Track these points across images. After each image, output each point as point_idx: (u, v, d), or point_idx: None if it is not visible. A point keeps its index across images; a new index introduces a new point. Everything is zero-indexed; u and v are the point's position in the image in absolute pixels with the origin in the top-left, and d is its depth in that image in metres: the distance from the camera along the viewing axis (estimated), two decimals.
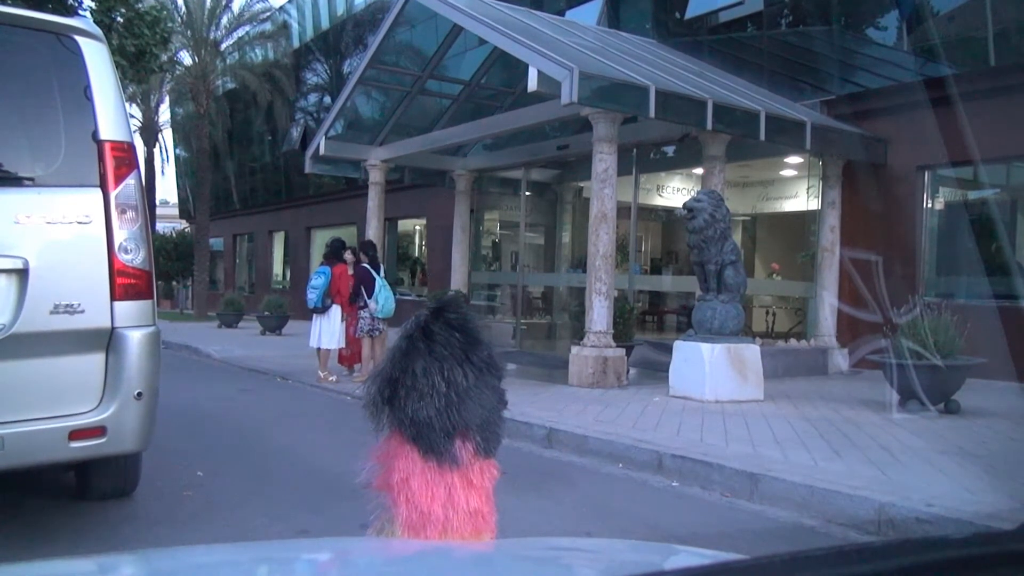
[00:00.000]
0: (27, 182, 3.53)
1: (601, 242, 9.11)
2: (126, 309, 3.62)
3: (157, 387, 3.79)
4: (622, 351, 9.28)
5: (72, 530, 3.89)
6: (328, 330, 9.70)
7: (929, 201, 10.89)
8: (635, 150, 11.75)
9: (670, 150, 12.79)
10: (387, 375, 1.79)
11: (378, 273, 9.68)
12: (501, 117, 12.26)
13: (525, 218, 14.82)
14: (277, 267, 28.00)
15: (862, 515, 4.26)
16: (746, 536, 4.21)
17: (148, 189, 26.66)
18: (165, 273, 29.17)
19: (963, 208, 11.03)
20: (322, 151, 13.81)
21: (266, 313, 17.89)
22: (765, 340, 11.26)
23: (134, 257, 3.65)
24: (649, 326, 16.09)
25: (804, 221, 12.49)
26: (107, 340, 3.59)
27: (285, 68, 24.50)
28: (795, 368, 10.36)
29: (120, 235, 3.61)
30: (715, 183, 9.87)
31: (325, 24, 24.22)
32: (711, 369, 7.92)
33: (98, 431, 3.53)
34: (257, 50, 25.62)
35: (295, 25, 25.68)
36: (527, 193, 14.70)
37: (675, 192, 14.61)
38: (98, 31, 3.86)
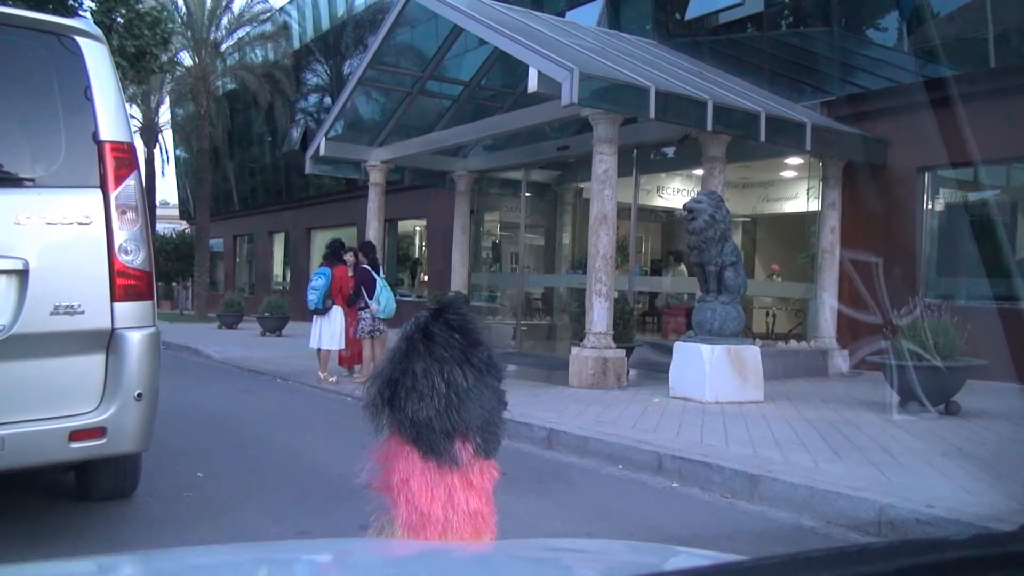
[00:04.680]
0: (27, 183, 3.53)
1: (601, 243, 9.11)
2: (126, 310, 3.62)
3: (157, 388, 3.79)
4: (622, 352, 9.28)
5: (72, 531, 3.89)
6: (328, 331, 9.70)
7: (929, 202, 10.89)
8: (635, 151, 11.74)
9: (670, 151, 12.79)
10: (387, 376, 1.79)
11: (378, 274, 9.70)
12: (501, 118, 12.26)
13: (525, 219, 14.81)
14: (277, 268, 28.00)
15: (862, 516, 4.26)
16: (746, 537, 4.21)
17: (148, 190, 26.65)
18: (165, 274, 29.19)
19: (963, 209, 11.03)
20: (322, 152, 13.81)
21: (266, 314, 17.89)
22: (765, 341, 11.26)
23: (134, 258, 3.65)
24: (649, 327, 16.07)
25: (804, 222, 12.49)
26: (107, 341, 3.59)
27: (285, 69, 24.51)
28: (795, 369, 10.36)
29: (120, 236, 3.61)
30: (715, 184, 9.87)
31: (325, 25, 24.23)
32: (711, 370, 7.92)
33: (98, 432, 3.53)
34: (257, 51, 25.64)
35: (295, 26, 25.69)
36: (527, 194, 14.70)
37: (675, 193, 14.60)
38: (98, 32, 3.86)
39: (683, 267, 14.29)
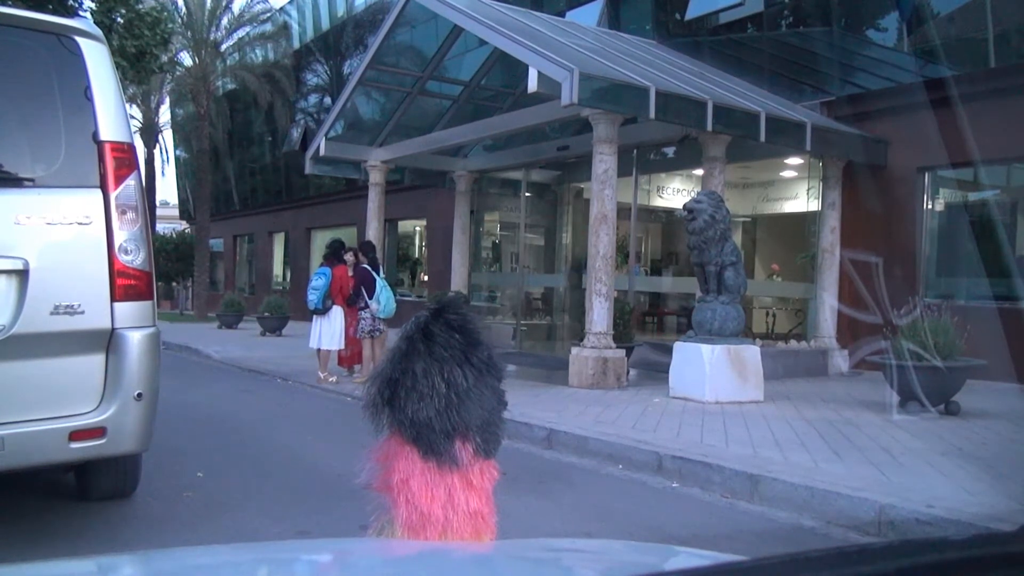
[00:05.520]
0: (27, 183, 3.53)
1: (601, 243, 9.11)
2: (126, 310, 3.62)
3: (157, 388, 3.79)
4: (622, 352, 9.28)
5: (72, 530, 3.89)
6: (328, 331, 9.70)
7: (929, 202, 10.89)
8: (635, 151, 11.75)
9: (670, 151, 12.79)
10: (387, 376, 1.79)
11: (378, 274, 9.70)
12: (501, 118, 12.26)
13: (525, 219, 14.82)
14: (277, 268, 28.01)
15: (862, 516, 4.26)
16: (746, 537, 4.21)
17: (148, 190, 26.64)
18: (165, 274, 29.19)
19: (963, 209, 11.03)
20: (322, 152, 13.81)
21: (266, 314, 17.89)
22: (765, 341, 11.26)
23: (134, 258, 3.65)
24: (649, 327, 16.08)
25: (804, 222, 12.49)
26: (107, 341, 3.59)
27: (285, 69, 24.51)
28: (795, 369, 10.36)
29: (120, 236, 3.61)
30: (715, 184, 9.87)
31: (325, 25, 24.23)
32: (711, 370, 7.92)
33: (98, 432, 3.53)
34: (257, 51, 25.63)
35: (295, 26, 25.69)
36: (527, 194, 14.70)
37: (675, 193, 14.60)
38: (98, 32, 3.86)
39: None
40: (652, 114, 8.86)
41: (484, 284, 16.33)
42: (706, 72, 11.32)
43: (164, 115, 31.11)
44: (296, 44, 25.50)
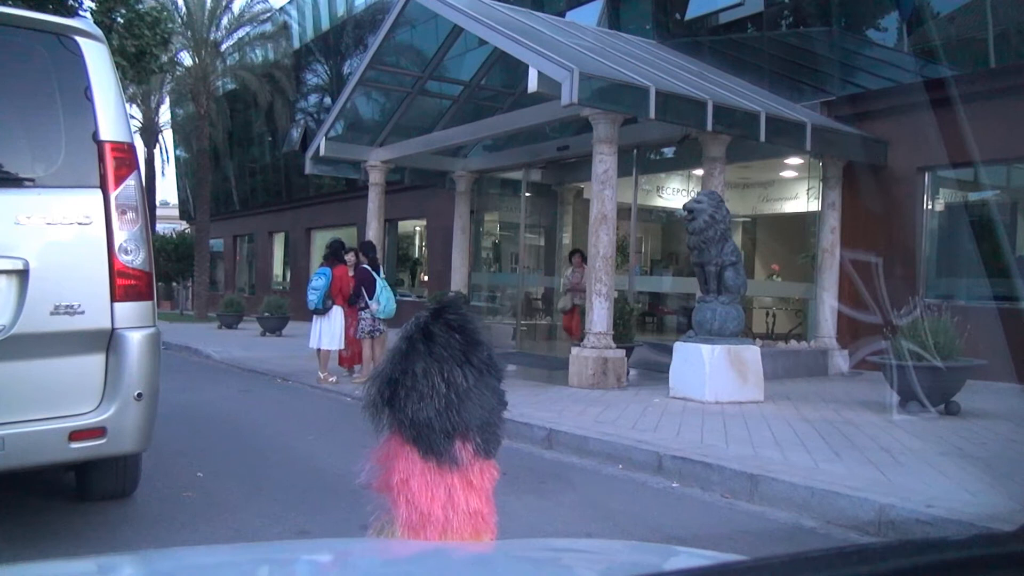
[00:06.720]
0: (27, 183, 3.53)
1: (601, 243, 9.11)
2: (126, 310, 3.63)
3: (157, 388, 3.80)
4: (622, 352, 9.29)
5: (72, 530, 3.89)
6: (328, 331, 9.70)
7: (929, 202, 10.89)
8: (635, 151, 11.75)
9: (670, 151, 12.79)
10: (387, 376, 1.79)
11: (378, 274, 9.70)
12: (501, 118, 12.26)
13: (525, 219, 14.82)
14: (277, 268, 28.00)
15: (862, 516, 4.26)
16: (746, 537, 4.21)
17: (148, 190, 26.65)
18: (165, 274, 29.17)
19: (963, 209, 11.03)
20: (322, 152, 13.82)
21: (266, 314, 17.89)
22: (765, 341, 11.26)
23: (134, 258, 3.65)
24: (649, 327, 16.08)
25: (804, 222, 12.50)
26: (107, 341, 3.59)
27: (285, 69, 24.50)
28: (795, 369, 10.36)
29: (120, 236, 3.61)
30: (715, 184, 9.87)
31: (325, 25, 24.24)
32: (711, 370, 7.92)
33: (98, 432, 3.53)
34: (257, 51, 25.62)
35: (295, 26, 25.69)
36: (527, 194, 14.70)
37: (675, 193, 14.61)
38: (98, 32, 3.86)
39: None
40: (652, 114, 8.86)
41: (484, 284, 16.33)
42: (706, 72, 11.32)
43: (164, 115, 31.15)
44: (296, 44, 25.49)
